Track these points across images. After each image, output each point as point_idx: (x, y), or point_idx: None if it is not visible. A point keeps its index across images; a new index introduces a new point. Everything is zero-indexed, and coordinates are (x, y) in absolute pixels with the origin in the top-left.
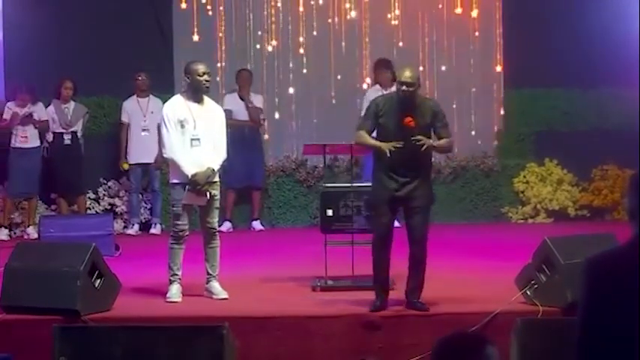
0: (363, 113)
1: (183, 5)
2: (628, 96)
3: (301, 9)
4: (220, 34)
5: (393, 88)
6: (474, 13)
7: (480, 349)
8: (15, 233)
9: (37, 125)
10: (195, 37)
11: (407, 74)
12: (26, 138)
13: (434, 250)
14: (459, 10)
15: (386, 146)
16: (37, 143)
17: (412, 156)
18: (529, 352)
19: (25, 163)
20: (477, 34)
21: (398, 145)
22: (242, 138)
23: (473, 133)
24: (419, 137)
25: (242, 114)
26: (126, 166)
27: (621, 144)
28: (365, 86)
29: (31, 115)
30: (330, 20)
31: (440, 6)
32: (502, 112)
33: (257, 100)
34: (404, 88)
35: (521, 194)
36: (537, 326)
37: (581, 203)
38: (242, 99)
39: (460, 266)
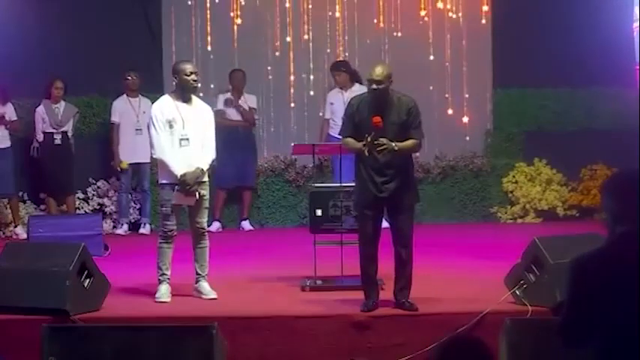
0: (325, 115)
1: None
2: (617, 96)
3: (293, 77)
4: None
5: (355, 87)
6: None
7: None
8: (4, 233)
9: (8, 126)
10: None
11: (376, 72)
12: None
13: (423, 250)
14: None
15: (360, 148)
16: (8, 144)
17: (389, 154)
18: (518, 352)
19: None
20: (465, 34)
21: (368, 139)
22: (235, 138)
23: (462, 132)
24: (382, 141)
25: (235, 114)
26: (125, 165)
27: (610, 144)
28: None
29: (2, 116)
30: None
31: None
32: (491, 112)
33: (251, 100)
34: (373, 86)
35: (511, 194)
36: (526, 326)
37: (570, 203)
38: (231, 103)
39: (449, 266)
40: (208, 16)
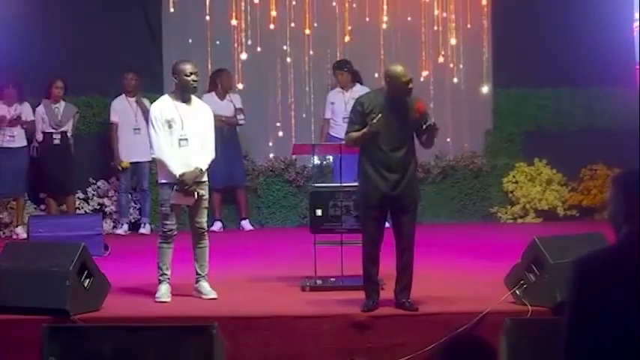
0: (325, 114)
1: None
2: (617, 96)
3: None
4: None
5: (356, 88)
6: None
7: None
8: (4, 233)
9: (25, 126)
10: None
11: (406, 72)
12: (13, 137)
13: (423, 250)
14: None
15: (369, 128)
16: (24, 143)
17: (402, 151)
18: (518, 352)
19: (11, 162)
20: (462, 33)
21: (378, 118)
22: (220, 138)
23: (462, 132)
24: (432, 123)
25: (224, 110)
26: (125, 165)
27: (610, 144)
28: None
29: (19, 116)
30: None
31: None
32: (491, 112)
33: (236, 100)
34: (410, 86)
35: (511, 194)
36: (526, 326)
37: (570, 203)
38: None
39: (449, 266)
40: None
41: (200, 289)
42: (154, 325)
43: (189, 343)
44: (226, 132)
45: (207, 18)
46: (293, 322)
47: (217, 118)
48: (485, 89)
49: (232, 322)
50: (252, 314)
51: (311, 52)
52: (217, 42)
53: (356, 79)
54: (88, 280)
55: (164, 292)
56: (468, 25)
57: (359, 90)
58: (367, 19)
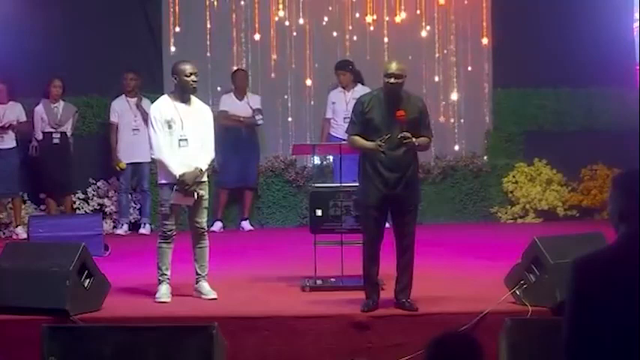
0: (327, 114)
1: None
2: (617, 96)
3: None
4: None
5: (358, 88)
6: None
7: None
8: (4, 233)
9: (16, 129)
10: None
11: (394, 66)
12: (2, 138)
13: (423, 250)
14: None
15: (376, 146)
16: (14, 144)
17: (401, 151)
18: (518, 352)
19: (1, 163)
20: (465, 33)
21: (385, 138)
22: (238, 138)
23: (462, 132)
24: (406, 134)
25: (242, 111)
26: (123, 165)
27: (610, 144)
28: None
29: (10, 124)
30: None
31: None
32: (491, 112)
33: (254, 101)
34: (392, 80)
35: (511, 194)
36: (526, 326)
37: (570, 203)
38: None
39: (449, 266)
40: (208, 23)
41: (200, 289)
42: (154, 325)
43: (189, 343)
44: (245, 132)
45: (209, 54)
46: (293, 322)
47: (235, 118)
48: (485, 89)
49: (232, 322)
50: (252, 314)
51: (312, 99)
52: (218, 88)
53: (357, 79)
54: (88, 280)
55: (164, 292)
56: (469, 24)
57: (360, 90)
58: (368, 57)
